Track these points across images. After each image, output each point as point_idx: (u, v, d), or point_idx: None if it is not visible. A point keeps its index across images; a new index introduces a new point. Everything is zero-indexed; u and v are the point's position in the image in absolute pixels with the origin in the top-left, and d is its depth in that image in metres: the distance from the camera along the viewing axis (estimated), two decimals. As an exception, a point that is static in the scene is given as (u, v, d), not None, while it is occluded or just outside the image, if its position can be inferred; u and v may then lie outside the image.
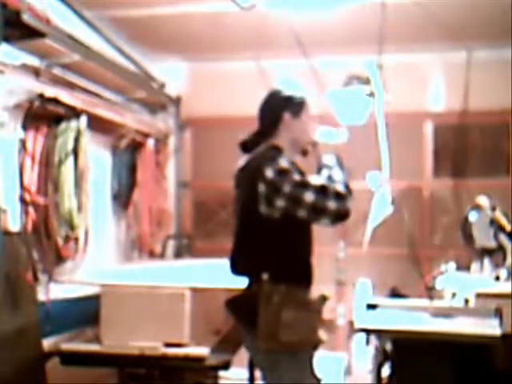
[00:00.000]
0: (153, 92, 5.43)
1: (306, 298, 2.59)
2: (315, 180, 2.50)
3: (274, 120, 2.70)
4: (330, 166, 2.66)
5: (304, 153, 2.75)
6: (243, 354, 3.59)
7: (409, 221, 4.79)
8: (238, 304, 2.65)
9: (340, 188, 2.50)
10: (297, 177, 2.49)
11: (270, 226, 2.53)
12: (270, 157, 2.57)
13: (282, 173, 2.49)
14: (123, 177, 5.10)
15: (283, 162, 2.53)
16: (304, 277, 2.63)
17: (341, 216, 2.47)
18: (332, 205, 2.44)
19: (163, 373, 3.69)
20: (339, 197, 2.46)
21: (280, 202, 2.48)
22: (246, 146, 2.76)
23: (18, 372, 3.22)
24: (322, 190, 2.45)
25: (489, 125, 5.55)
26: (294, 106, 2.70)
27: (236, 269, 2.68)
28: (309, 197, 2.44)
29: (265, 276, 2.50)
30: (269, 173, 2.49)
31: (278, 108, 2.70)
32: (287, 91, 2.74)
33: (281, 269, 2.54)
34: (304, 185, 2.47)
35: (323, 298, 2.64)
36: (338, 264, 5.16)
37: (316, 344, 2.57)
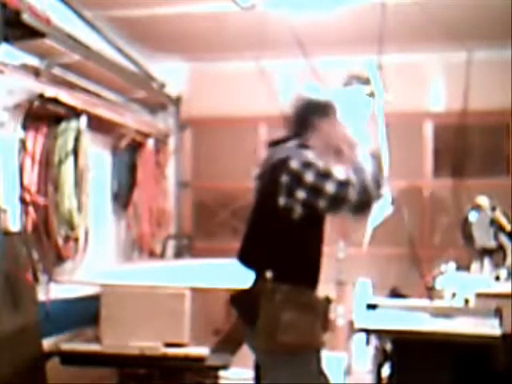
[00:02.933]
0: (153, 92, 5.43)
1: (308, 299, 2.56)
2: (339, 172, 2.48)
3: (305, 125, 2.68)
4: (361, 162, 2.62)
5: (338, 153, 2.70)
6: (243, 354, 3.59)
7: (409, 221, 4.79)
8: (241, 300, 2.64)
9: (366, 180, 2.47)
10: (320, 168, 2.47)
11: (283, 221, 2.50)
12: (296, 151, 2.55)
13: (307, 165, 2.47)
14: (123, 177, 5.09)
15: (309, 155, 2.52)
16: (310, 278, 2.60)
17: (362, 207, 2.46)
18: (353, 195, 2.42)
19: (163, 373, 3.68)
20: (361, 188, 2.44)
21: (301, 194, 2.45)
22: (273, 145, 2.72)
23: (17, 372, 3.22)
24: (345, 181, 2.44)
25: (489, 125, 5.54)
26: (323, 110, 2.68)
27: (245, 261, 2.65)
28: (330, 187, 2.42)
29: (269, 274, 2.49)
30: (293, 164, 2.48)
31: (308, 113, 2.68)
32: (315, 96, 2.72)
33: (287, 267, 2.51)
34: (326, 175, 2.45)
35: (327, 301, 2.63)
36: (338, 264, 5.16)
37: (315, 347, 2.54)
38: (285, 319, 2.45)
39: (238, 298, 2.66)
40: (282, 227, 2.52)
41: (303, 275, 2.57)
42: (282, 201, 2.48)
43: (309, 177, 2.45)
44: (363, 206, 2.46)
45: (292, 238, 2.53)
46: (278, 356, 2.49)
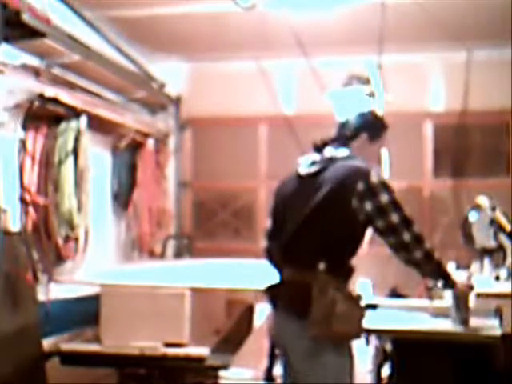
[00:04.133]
0: (153, 92, 5.43)
1: (353, 292, 2.70)
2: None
3: (353, 133, 2.75)
4: None
5: None
6: (243, 354, 3.59)
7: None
8: (285, 291, 2.69)
9: (418, 231, 2.63)
10: (395, 197, 2.62)
11: (343, 220, 2.61)
12: (370, 167, 2.66)
13: (384, 184, 2.60)
14: (123, 177, 5.10)
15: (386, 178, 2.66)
16: (350, 274, 2.72)
17: (401, 248, 2.61)
18: (406, 237, 2.58)
19: (163, 373, 3.68)
20: (417, 237, 2.61)
21: (368, 206, 2.57)
22: (319, 147, 2.79)
23: (18, 372, 3.22)
24: (407, 221, 2.60)
25: (489, 125, 5.54)
26: (377, 131, 2.78)
27: (289, 254, 2.70)
28: (394, 217, 2.58)
29: (322, 266, 2.57)
30: (374, 178, 2.58)
31: (364, 125, 2.76)
32: (379, 115, 2.80)
33: (337, 262, 2.63)
34: (398, 207, 2.60)
35: (360, 297, 2.75)
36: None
37: (359, 335, 2.69)
38: (340, 309, 2.56)
39: (279, 289, 2.71)
40: (340, 225, 2.62)
41: (346, 271, 2.69)
42: (350, 205, 2.57)
43: (383, 198, 2.57)
44: (403, 247, 2.61)
45: (345, 237, 2.65)
46: (327, 343, 2.58)
